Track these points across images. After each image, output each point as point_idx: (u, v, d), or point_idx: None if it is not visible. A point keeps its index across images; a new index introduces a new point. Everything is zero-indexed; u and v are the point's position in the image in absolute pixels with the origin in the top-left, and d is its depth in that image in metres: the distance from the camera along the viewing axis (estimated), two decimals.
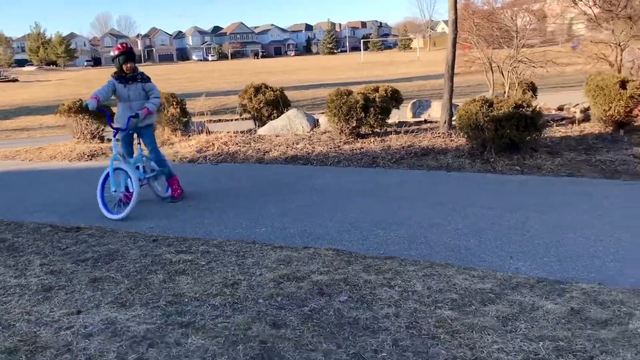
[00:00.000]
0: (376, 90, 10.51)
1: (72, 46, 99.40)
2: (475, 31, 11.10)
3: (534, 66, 11.18)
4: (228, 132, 10.17)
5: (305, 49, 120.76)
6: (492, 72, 11.47)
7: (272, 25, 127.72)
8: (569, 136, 8.92)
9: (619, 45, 11.13)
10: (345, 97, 9.48)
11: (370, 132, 9.88)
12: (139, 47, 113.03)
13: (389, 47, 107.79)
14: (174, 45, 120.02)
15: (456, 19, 8.90)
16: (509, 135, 7.65)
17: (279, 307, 3.37)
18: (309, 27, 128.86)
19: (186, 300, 3.53)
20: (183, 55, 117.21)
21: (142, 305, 3.49)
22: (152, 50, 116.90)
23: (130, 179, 5.93)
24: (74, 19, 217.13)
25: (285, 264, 4.10)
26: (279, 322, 3.16)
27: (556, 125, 9.81)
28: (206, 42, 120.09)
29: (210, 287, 3.72)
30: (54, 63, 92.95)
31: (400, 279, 3.79)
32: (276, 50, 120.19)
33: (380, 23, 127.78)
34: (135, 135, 6.48)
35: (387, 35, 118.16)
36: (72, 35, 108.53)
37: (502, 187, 6.66)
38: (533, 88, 13.53)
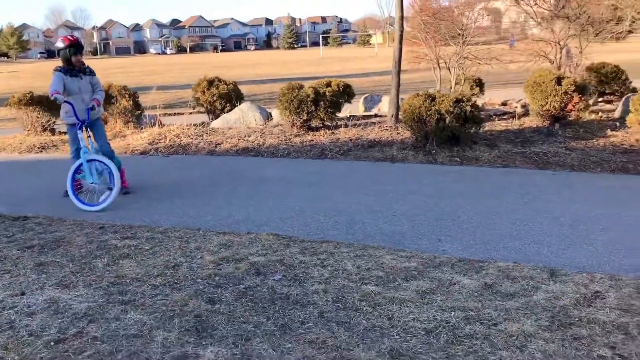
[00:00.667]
0: (328, 84, 10.77)
1: (25, 37, 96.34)
2: (423, 28, 11.47)
3: (479, 63, 11.63)
4: (180, 125, 10.27)
5: (266, 44, 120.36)
6: (440, 69, 11.88)
7: (232, 19, 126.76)
8: (508, 130, 9.38)
9: (559, 43, 11.71)
10: (296, 91, 9.71)
11: (321, 125, 10.14)
12: (94, 40, 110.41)
13: (349, 43, 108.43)
14: (132, 38, 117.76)
15: (402, 16, 9.24)
16: (449, 128, 8.03)
17: (216, 285, 3.59)
18: (269, 22, 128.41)
19: (128, 281, 3.71)
20: (141, 48, 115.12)
21: (85, 286, 3.64)
22: (109, 43, 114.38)
23: (110, 170, 5.90)
24: (27, 9, 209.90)
25: (226, 248, 4.32)
26: (215, 299, 3.38)
27: (498, 120, 10.28)
28: (164, 35, 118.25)
29: (152, 269, 3.90)
30: (5, 55, 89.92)
31: (333, 260, 4.05)
32: (236, 44, 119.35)
33: (341, 19, 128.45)
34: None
35: (347, 30, 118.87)
36: (24, 27, 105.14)
37: (441, 177, 7.02)
38: (480, 84, 14.04)
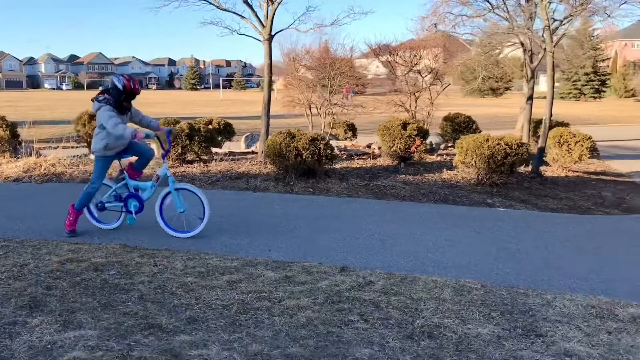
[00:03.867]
0: (210, 122, 11.66)
1: None
2: (296, 75, 12.70)
3: (346, 109, 12.98)
4: (56, 156, 10.60)
5: (168, 84, 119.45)
6: (311, 113, 13.10)
7: (134, 57, 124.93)
8: (362, 167, 10.66)
9: (414, 94, 13.39)
10: (171, 126, 10.43)
11: (197, 158, 10.90)
12: None
13: (253, 87, 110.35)
14: (24, 72, 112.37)
15: (271, 63, 10.35)
16: (306, 163, 9.10)
17: (56, 277, 4.23)
18: (172, 62, 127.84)
19: None
20: (34, 82, 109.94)
21: None
22: None
23: (200, 198, 5.87)
24: None
25: (73, 252, 4.94)
26: (52, 286, 4.03)
27: (357, 159, 11.58)
28: (61, 70, 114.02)
29: (1, 267, 4.45)
30: None
31: (166, 261, 4.81)
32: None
33: (245, 63, 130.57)
34: None
35: (251, 75, 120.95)
36: None
37: (292, 204, 7.99)
38: (353, 128, 15.53)
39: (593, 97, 58.35)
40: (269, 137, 9.78)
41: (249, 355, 3.18)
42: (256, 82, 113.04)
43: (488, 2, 11.85)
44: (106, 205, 6.03)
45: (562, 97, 58.45)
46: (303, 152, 9.01)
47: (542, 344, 3.54)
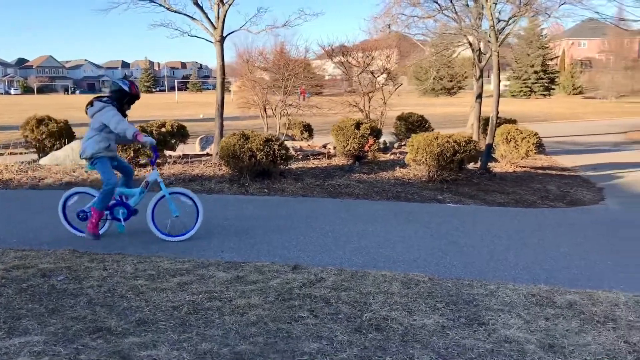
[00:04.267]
0: (163, 125, 11.53)
1: None
2: (251, 77, 12.71)
3: (301, 110, 13.06)
4: (3, 162, 10.31)
5: None
6: (266, 114, 13.13)
7: (86, 60, 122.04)
8: (318, 167, 10.76)
9: (367, 94, 13.58)
10: None
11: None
12: None
13: (209, 89, 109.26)
14: None
15: (223, 65, 10.33)
16: (261, 164, 9.13)
17: (1, 285, 4.15)
18: (125, 65, 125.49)
19: None
20: None
21: None
22: None
23: (195, 202, 5.94)
24: None
25: (20, 259, 4.85)
26: None
27: (313, 159, 11.67)
28: (9, 74, 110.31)
29: None
30: None
31: (116, 265, 4.78)
32: (90, 86, 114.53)
33: (201, 65, 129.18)
34: None
35: (207, 77, 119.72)
36: None
37: (247, 205, 8.01)
38: (309, 129, 15.63)
39: (543, 94, 60.22)
40: (223, 138, 9.76)
41: (198, 353, 3.22)
42: (212, 84, 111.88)
43: (437, 3, 12.12)
44: (89, 214, 5.82)
45: (513, 96, 60.16)
46: (257, 153, 9.04)
47: (484, 332, 3.69)
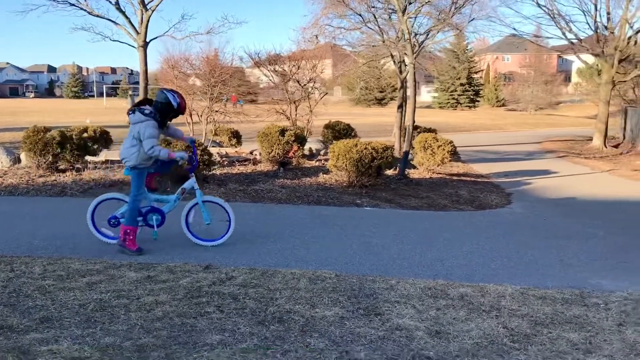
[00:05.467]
0: (85, 130, 11.31)
1: None
2: (176, 83, 12.69)
3: (228, 117, 13.16)
4: None
5: (48, 92, 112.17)
6: (192, 120, 13.13)
7: (8, 64, 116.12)
8: (243, 172, 10.90)
9: (294, 102, 13.86)
10: (41, 133, 10.07)
11: (71, 167, 10.57)
12: None
13: (138, 95, 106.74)
14: None
15: (146, 70, 10.32)
16: (182, 169, 9.16)
17: None
18: (52, 69, 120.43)
19: None
20: None
21: None
22: None
23: (226, 210, 6.05)
24: None
25: None
26: None
27: (239, 165, 11.80)
28: None
29: None
30: None
31: (24, 267, 4.76)
32: (12, 90, 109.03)
33: (132, 71, 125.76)
34: None
35: (138, 82, 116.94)
36: None
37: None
38: (237, 135, 15.71)
39: (468, 106, 62.74)
40: None
41: (100, 347, 3.31)
42: None
43: (360, 16, 12.60)
44: (121, 220, 5.72)
45: (441, 107, 62.32)
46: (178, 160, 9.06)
47: (379, 322, 3.98)
